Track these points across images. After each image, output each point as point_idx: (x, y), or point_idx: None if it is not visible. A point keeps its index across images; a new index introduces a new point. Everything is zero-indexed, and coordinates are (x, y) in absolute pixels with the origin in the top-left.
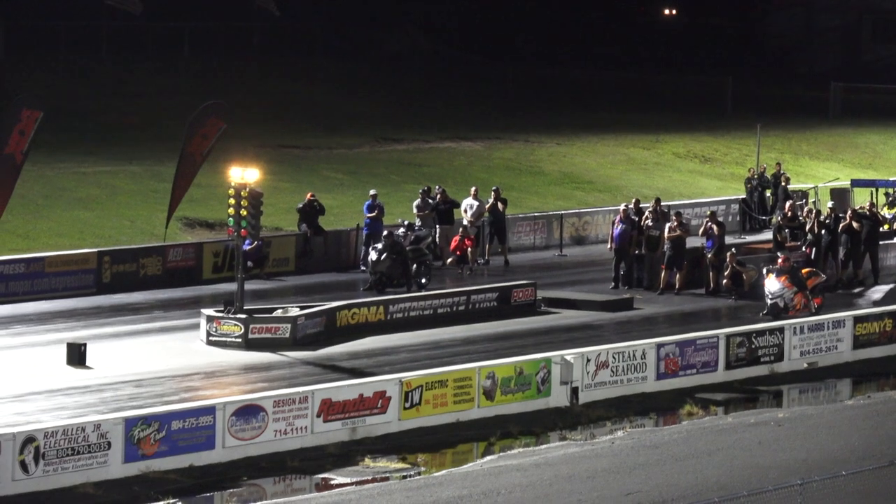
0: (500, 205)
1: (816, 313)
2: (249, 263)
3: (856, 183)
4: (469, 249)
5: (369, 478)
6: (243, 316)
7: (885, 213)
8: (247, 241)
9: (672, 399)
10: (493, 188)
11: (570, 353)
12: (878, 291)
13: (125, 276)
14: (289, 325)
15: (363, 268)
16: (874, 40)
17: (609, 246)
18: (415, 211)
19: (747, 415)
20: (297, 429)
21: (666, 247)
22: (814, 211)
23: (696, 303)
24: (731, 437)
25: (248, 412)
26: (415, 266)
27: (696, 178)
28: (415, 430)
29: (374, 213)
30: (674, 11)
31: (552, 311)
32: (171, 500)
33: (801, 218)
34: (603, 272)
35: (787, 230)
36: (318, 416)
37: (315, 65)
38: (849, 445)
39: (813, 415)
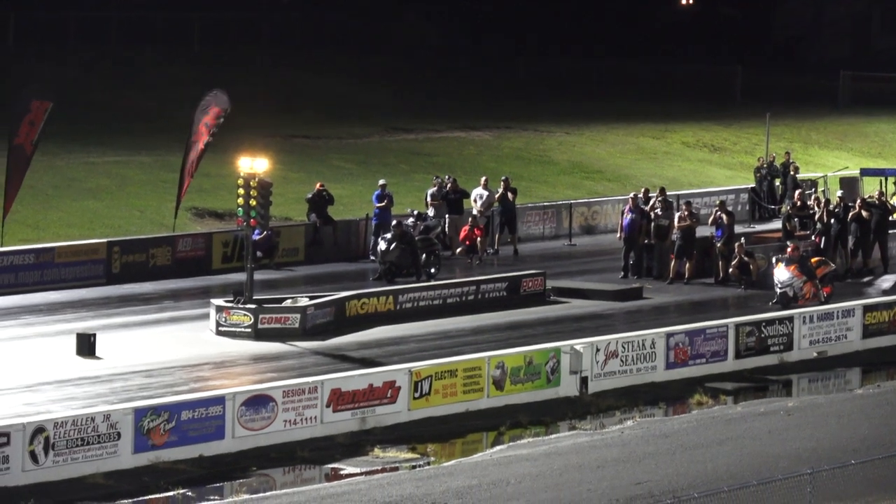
0: (509, 194)
1: (826, 302)
2: (259, 253)
3: (865, 172)
4: (478, 239)
5: (379, 468)
6: (253, 306)
7: (895, 201)
8: (256, 231)
9: (682, 388)
10: (503, 178)
11: (579, 343)
12: (888, 280)
13: (135, 267)
14: (298, 315)
15: (372, 257)
16: (884, 29)
17: (618, 235)
18: (429, 199)
19: (757, 404)
20: (306, 419)
21: (675, 236)
22: (823, 200)
23: (706, 292)
24: (740, 426)
25: (257, 402)
26: (424, 256)
27: (706, 167)
28: (424, 420)
29: (383, 203)
30: (690, 1)
31: (562, 301)
32: (181, 491)
33: (810, 207)
34: (612, 261)
35: (796, 219)
36: (328, 406)
37: (324, 55)
38: (858, 434)
39: (822, 404)
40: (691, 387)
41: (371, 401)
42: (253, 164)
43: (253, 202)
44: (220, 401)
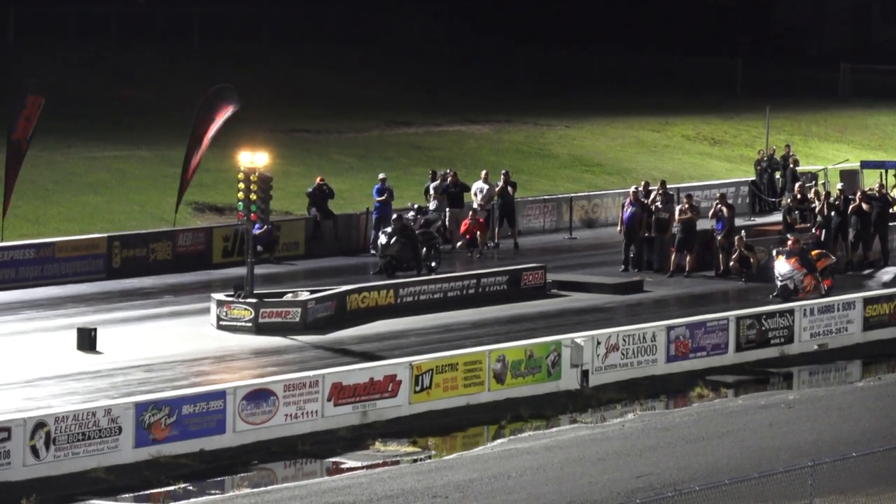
0: (509, 188)
1: (826, 295)
2: (259, 248)
3: (865, 164)
4: (479, 233)
5: (380, 461)
6: (253, 300)
7: (895, 194)
8: (256, 226)
9: (682, 381)
10: (503, 171)
11: (580, 336)
12: (888, 273)
13: (135, 261)
14: (299, 310)
15: (373, 251)
16: (884, 21)
17: (619, 228)
18: (431, 192)
19: (757, 397)
20: (307, 413)
21: (676, 229)
22: (823, 193)
23: (706, 285)
24: (741, 419)
25: (258, 396)
26: (424, 249)
27: (706, 160)
28: (425, 414)
29: (383, 197)
30: None
31: (562, 294)
32: (182, 485)
33: (811, 200)
34: (613, 255)
35: (796, 212)
36: (329, 400)
37: (324, 49)
38: (859, 427)
39: (823, 396)
40: (692, 380)
41: (372, 394)
42: (253, 159)
43: (253, 196)
44: (220, 395)
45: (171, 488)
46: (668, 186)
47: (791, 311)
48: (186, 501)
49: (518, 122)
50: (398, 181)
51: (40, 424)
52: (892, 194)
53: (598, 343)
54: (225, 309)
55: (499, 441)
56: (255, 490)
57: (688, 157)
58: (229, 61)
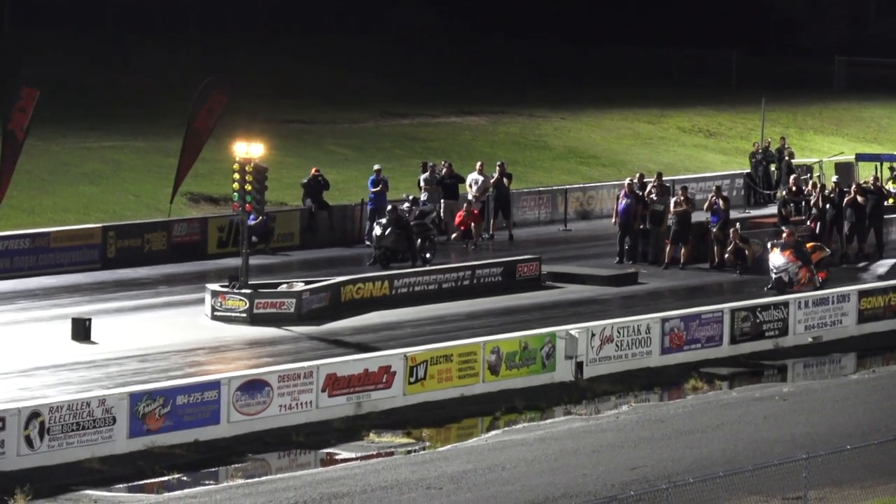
0: (504, 179)
1: (821, 287)
2: (254, 238)
3: (860, 157)
4: (474, 224)
5: (374, 452)
6: (248, 291)
7: (890, 187)
8: (252, 216)
9: (677, 373)
10: (498, 163)
11: (574, 328)
12: (883, 265)
13: (130, 252)
14: (294, 300)
15: (368, 242)
16: (879, 14)
17: (614, 220)
18: (422, 184)
19: (752, 389)
20: (302, 403)
21: (671, 221)
22: (818, 185)
23: (701, 277)
24: (736, 411)
25: (252, 387)
26: (419, 241)
27: (701, 152)
28: (420, 405)
29: (378, 188)
30: None
31: (557, 286)
32: (177, 475)
33: (806, 193)
34: (608, 247)
35: (791, 204)
36: (323, 390)
37: (320, 40)
38: (853, 419)
39: (818, 389)
40: (686, 372)
41: (366, 386)
42: (248, 149)
43: (248, 187)
44: (215, 385)
45: (166, 478)
46: (663, 178)
47: (786, 304)
48: (180, 492)
49: (513, 114)
50: (393, 172)
51: (35, 414)
52: (886, 187)
53: (593, 335)
54: (220, 299)
55: (493, 432)
56: (250, 480)
57: (683, 149)
58: (225, 52)
